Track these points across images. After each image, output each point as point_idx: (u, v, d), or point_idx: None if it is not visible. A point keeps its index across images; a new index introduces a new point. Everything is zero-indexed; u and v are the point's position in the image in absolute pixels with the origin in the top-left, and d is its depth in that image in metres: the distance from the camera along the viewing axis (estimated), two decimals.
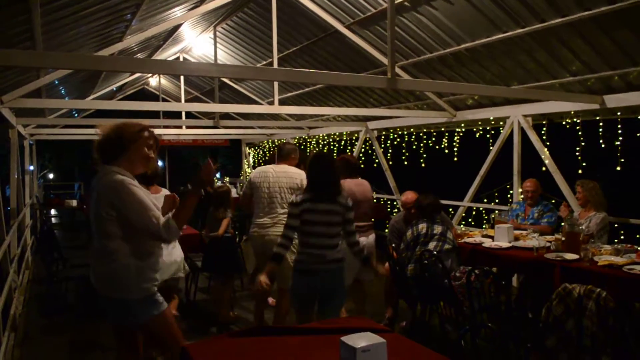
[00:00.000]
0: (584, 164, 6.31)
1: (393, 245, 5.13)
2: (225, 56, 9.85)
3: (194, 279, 6.21)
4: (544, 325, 3.48)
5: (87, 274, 5.85)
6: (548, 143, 6.79)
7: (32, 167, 12.30)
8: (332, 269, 3.69)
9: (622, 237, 6.13)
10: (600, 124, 6.25)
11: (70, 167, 26.19)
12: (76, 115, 13.39)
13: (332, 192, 3.70)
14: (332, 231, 3.69)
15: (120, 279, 2.74)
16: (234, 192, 12.42)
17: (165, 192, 4.73)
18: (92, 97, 10.91)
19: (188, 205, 2.83)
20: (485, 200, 8.09)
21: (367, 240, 4.85)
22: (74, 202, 12.37)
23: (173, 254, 4.78)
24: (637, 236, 6.14)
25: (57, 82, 7.72)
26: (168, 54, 10.26)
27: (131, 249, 2.74)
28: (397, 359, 2.15)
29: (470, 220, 8.49)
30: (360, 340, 2.00)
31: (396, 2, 5.61)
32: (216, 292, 5.79)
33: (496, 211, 6.40)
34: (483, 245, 5.02)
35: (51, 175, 25.57)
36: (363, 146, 10.64)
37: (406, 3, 5.76)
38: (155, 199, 2.86)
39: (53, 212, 15.38)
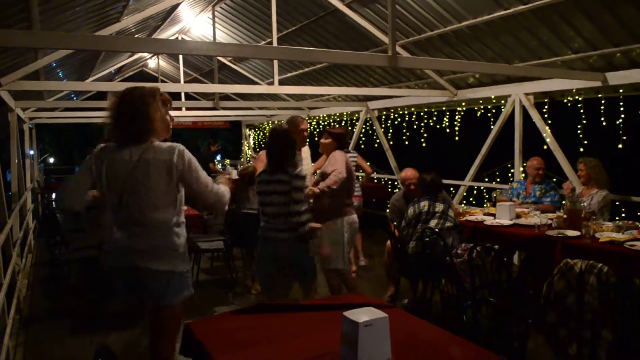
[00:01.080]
0: (586, 142, 6.28)
1: (394, 223, 5.13)
2: (224, 36, 9.77)
3: (196, 260, 6.23)
4: (545, 302, 3.50)
5: (90, 256, 5.93)
6: (550, 121, 6.76)
7: (32, 152, 12.28)
8: (288, 237, 3.74)
9: (623, 215, 6.14)
10: (602, 101, 6.21)
11: (71, 150, 26.16)
12: (75, 98, 13.33)
13: (282, 163, 3.80)
14: (282, 199, 3.76)
15: (175, 249, 2.68)
16: (234, 174, 12.47)
17: None
18: (90, 79, 10.85)
19: None
20: (486, 180, 8.08)
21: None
22: None
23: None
24: (639, 213, 6.14)
25: (54, 64, 7.67)
26: (166, 34, 10.17)
27: (178, 219, 2.73)
28: (399, 334, 2.16)
29: (471, 199, 8.49)
30: (362, 315, 2.00)
31: None
32: (248, 265, 6.21)
33: (497, 189, 6.39)
34: (485, 223, 5.03)
35: (52, 160, 25.56)
36: (364, 126, 10.61)
37: None
38: None
39: (54, 196, 15.39)
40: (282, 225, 3.74)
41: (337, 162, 4.52)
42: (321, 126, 12.47)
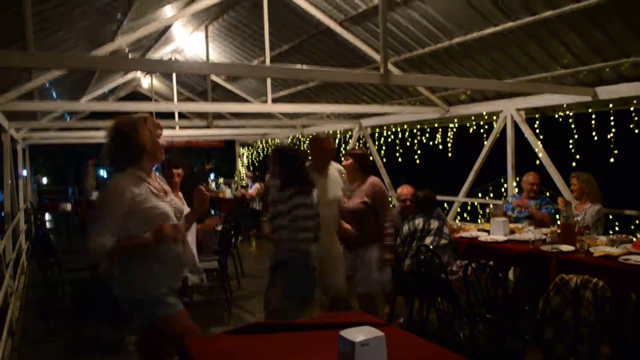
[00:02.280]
0: (578, 157, 6.33)
1: None
2: (217, 56, 9.82)
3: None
4: (541, 317, 3.50)
5: (83, 278, 5.87)
6: (541, 136, 6.81)
7: (25, 172, 12.24)
8: (313, 259, 3.87)
9: (616, 228, 6.16)
10: (593, 116, 6.27)
11: (64, 171, 26.07)
12: (69, 118, 13.32)
13: (308, 183, 3.88)
14: (312, 223, 3.85)
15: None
16: (228, 193, 12.46)
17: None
18: (84, 99, 10.85)
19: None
20: (479, 195, 8.11)
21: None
22: (69, 206, 12.31)
23: None
24: (632, 227, 6.17)
25: (48, 85, 7.68)
26: (160, 54, 10.21)
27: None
28: (396, 352, 2.14)
29: (465, 215, 8.50)
30: (359, 334, 1.99)
31: None
32: None
33: (491, 205, 6.41)
34: (479, 239, 5.03)
35: (45, 180, 25.45)
36: (357, 143, 10.65)
37: None
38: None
39: (47, 216, 15.31)
40: (279, 249, 3.84)
41: (386, 199, 4.59)
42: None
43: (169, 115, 11.61)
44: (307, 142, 4.56)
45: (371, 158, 10.00)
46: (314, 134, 12.01)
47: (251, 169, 16.12)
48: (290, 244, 3.80)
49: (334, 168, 4.79)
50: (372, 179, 4.56)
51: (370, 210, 4.44)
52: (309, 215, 3.82)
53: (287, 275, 3.72)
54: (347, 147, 10.76)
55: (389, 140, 9.94)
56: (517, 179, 6.75)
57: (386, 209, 4.53)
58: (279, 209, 3.81)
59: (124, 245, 2.67)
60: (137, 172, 2.76)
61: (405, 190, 5.44)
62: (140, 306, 2.74)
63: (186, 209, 3.14)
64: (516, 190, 6.26)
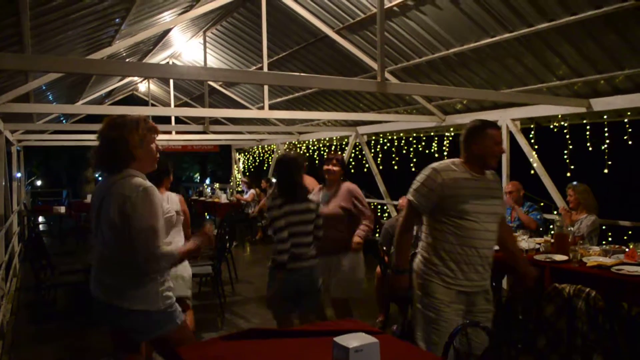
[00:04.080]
0: (572, 167, 6.37)
1: (384, 248, 5.13)
2: (215, 62, 9.85)
3: None
4: (535, 326, 3.51)
5: (76, 281, 5.85)
6: (536, 146, 6.85)
7: (19, 174, 12.20)
8: (314, 264, 3.88)
9: (610, 239, 6.20)
10: (587, 127, 6.32)
11: (58, 173, 25.99)
12: (64, 121, 13.30)
13: (302, 191, 3.92)
14: (309, 228, 3.88)
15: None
16: (224, 198, 12.45)
17: (169, 194, 4.16)
18: (80, 102, 10.86)
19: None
20: None
21: None
22: (62, 209, 12.28)
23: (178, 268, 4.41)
24: (625, 237, 6.21)
25: (44, 88, 7.68)
26: (157, 59, 10.23)
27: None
28: (390, 359, 2.15)
29: None
30: (353, 340, 2.00)
31: (385, 7, 5.65)
32: None
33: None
34: None
35: (39, 182, 25.34)
36: (353, 151, 10.68)
37: (395, 8, 5.80)
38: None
39: (41, 219, 15.24)
40: (310, 252, 3.84)
41: (365, 200, 4.65)
42: (311, 150, 12.52)
43: (166, 120, 11.62)
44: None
45: (367, 165, 10.11)
46: (312, 139, 12.05)
47: (247, 174, 16.12)
48: (282, 245, 3.81)
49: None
50: (348, 184, 4.62)
51: (346, 216, 4.47)
52: (303, 220, 3.84)
53: (282, 276, 3.75)
54: (344, 154, 10.78)
55: (385, 148, 9.97)
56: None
57: (367, 209, 4.59)
58: (274, 215, 3.83)
59: (182, 252, 2.69)
60: (138, 174, 2.63)
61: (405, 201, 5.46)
62: (155, 318, 2.64)
63: None
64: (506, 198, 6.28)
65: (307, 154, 12.34)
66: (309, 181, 4.71)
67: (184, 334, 2.75)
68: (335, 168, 4.59)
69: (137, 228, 2.49)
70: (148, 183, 2.59)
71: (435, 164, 3.11)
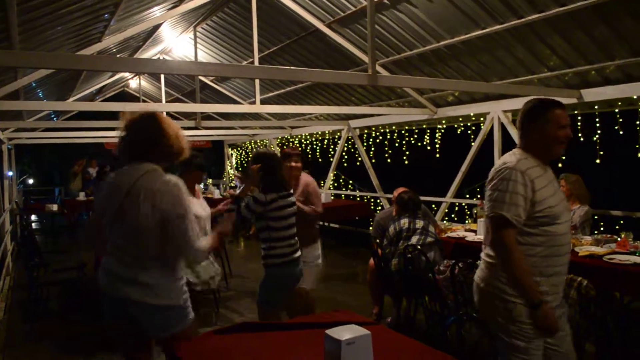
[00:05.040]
0: (564, 158, 6.39)
1: (377, 241, 5.14)
2: (205, 57, 9.80)
3: None
4: None
5: (69, 278, 5.83)
6: None
7: (11, 173, 12.11)
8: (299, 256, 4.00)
9: (602, 228, 6.24)
10: (579, 118, 6.35)
11: (50, 171, 25.81)
12: (55, 118, 13.21)
13: (286, 185, 3.94)
14: (294, 220, 3.97)
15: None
16: (217, 194, 12.42)
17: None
18: (71, 99, 10.78)
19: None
20: (467, 196, 8.16)
21: None
22: (55, 207, 12.20)
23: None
24: (617, 227, 6.25)
25: (34, 85, 7.62)
26: (148, 55, 10.17)
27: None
28: (382, 351, 2.15)
29: (453, 216, 8.55)
30: (345, 332, 2.00)
31: (376, 0, 5.65)
32: None
33: (478, 206, 6.44)
34: (466, 239, 5.06)
35: (31, 181, 25.19)
36: (345, 145, 10.67)
37: (385, 1, 5.79)
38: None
39: (33, 217, 15.16)
40: (295, 245, 3.93)
41: (318, 194, 4.71)
42: (303, 145, 12.51)
43: None
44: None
45: (359, 159, 10.12)
46: (304, 134, 12.04)
47: (240, 169, 16.08)
48: (267, 243, 3.87)
49: None
50: (305, 176, 4.68)
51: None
52: (293, 213, 3.89)
53: (290, 270, 3.90)
54: (337, 148, 10.78)
55: (378, 141, 9.98)
56: None
57: (319, 206, 4.62)
58: (259, 211, 3.83)
59: (211, 244, 2.78)
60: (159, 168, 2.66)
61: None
62: (175, 313, 2.66)
63: None
64: None
65: (300, 149, 12.32)
66: (306, 177, 4.71)
67: (193, 330, 2.79)
68: (299, 164, 4.63)
69: (174, 222, 2.52)
70: (174, 177, 2.64)
71: (510, 163, 2.49)
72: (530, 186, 2.43)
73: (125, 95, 14.83)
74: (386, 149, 9.71)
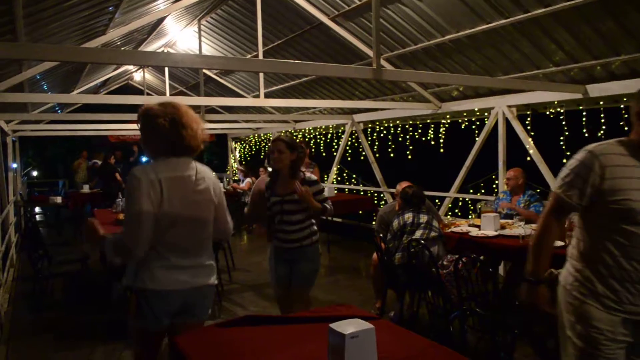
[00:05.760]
0: (568, 153, 6.37)
1: (381, 235, 5.14)
2: (210, 50, 9.79)
3: None
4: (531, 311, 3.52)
5: (73, 271, 5.85)
6: (532, 133, 6.85)
7: (15, 165, 12.14)
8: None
9: None
10: (584, 113, 6.32)
11: (55, 164, 25.85)
12: (59, 111, 13.23)
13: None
14: None
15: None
16: (221, 187, 12.45)
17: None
18: (75, 92, 10.79)
19: None
20: (471, 191, 8.15)
21: None
22: (59, 199, 12.24)
23: None
24: None
25: (39, 77, 7.62)
26: (152, 48, 10.17)
27: None
28: (386, 345, 2.16)
29: (456, 210, 8.55)
30: (348, 326, 2.00)
31: None
32: None
33: (482, 201, 6.46)
34: (470, 234, 5.06)
35: (35, 173, 25.25)
36: (349, 139, 10.66)
37: None
38: None
39: (37, 209, 15.21)
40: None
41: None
42: (307, 139, 12.50)
43: None
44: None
45: (363, 153, 10.11)
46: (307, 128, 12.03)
47: (243, 163, 16.09)
48: (309, 220, 3.98)
49: None
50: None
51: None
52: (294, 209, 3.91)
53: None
54: (340, 142, 10.76)
55: (381, 135, 9.97)
56: None
57: None
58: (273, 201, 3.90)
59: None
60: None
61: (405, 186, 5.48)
62: (213, 291, 2.87)
63: None
64: (506, 186, 6.30)
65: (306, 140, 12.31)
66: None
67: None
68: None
69: (224, 204, 2.88)
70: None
71: (592, 145, 2.29)
72: (600, 172, 2.19)
73: (129, 88, 14.84)
74: (390, 143, 9.70)
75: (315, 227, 4.00)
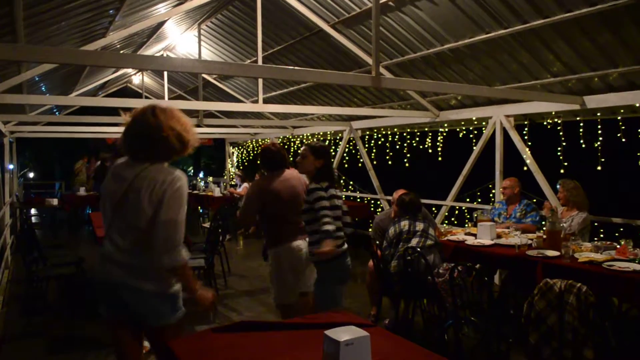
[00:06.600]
0: (566, 164, 6.40)
1: (377, 242, 5.14)
2: (209, 54, 9.81)
3: None
4: (526, 321, 3.53)
5: (68, 273, 5.83)
6: (530, 143, 6.87)
7: (11, 166, 12.12)
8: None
9: (602, 235, 6.24)
10: (581, 124, 6.35)
11: (51, 165, 25.84)
12: (57, 112, 13.22)
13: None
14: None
15: None
16: (217, 192, 12.43)
17: None
18: (74, 94, 10.78)
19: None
20: (467, 200, 8.16)
21: None
22: (55, 201, 12.22)
23: None
24: (616, 234, 6.25)
25: (37, 79, 7.62)
26: (151, 51, 10.17)
27: None
28: (380, 353, 2.16)
29: (453, 219, 8.55)
30: (343, 333, 2.00)
31: (381, 1, 5.64)
32: None
33: (479, 210, 6.46)
34: (466, 242, 5.07)
35: (31, 174, 25.20)
36: (347, 146, 10.67)
37: (390, 3, 5.79)
38: None
39: (33, 211, 15.16)
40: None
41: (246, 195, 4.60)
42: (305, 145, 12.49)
43: None
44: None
45: (361, 160, 10.11)
46: (307, 134, 12.04)
47: (241, 168, 16.09)
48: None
49: None
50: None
51: (262, 213, 4.32)
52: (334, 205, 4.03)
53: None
54: (338, 149, 10.77)
55: (379, 143, 9.99)
56: None
57: None
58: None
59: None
60: None
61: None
62: (172, 301, 2.73)
63: None
64: (502, 196, 6.32)
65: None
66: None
67: (183, 324, 2.82)
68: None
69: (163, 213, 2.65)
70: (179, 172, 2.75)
71: None
72: None
73: (128, 91, 14.84)
74: (387, 150, 9.71)
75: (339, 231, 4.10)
